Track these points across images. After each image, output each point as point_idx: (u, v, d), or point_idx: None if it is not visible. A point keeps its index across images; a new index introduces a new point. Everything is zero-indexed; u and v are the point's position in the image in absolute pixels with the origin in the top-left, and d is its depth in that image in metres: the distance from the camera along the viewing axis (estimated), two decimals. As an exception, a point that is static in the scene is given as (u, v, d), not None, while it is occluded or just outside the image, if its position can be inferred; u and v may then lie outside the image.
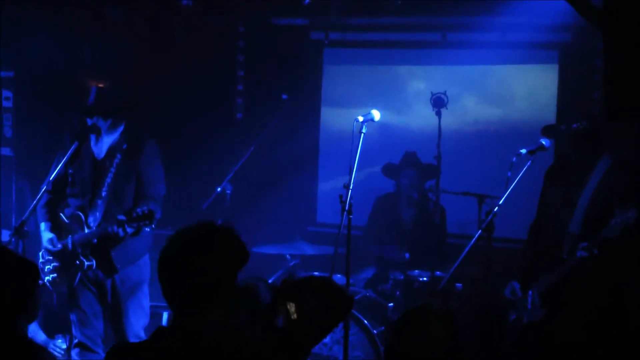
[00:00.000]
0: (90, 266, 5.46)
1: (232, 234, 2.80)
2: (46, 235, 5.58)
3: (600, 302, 4.85)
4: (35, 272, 3.39)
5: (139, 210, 5.21)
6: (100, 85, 5.67)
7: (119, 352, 2.81)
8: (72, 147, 5.50)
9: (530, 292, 5.14)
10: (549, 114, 7.07)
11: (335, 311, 2.70)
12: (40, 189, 5.49)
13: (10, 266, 3.26)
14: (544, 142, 5.18)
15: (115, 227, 5.25)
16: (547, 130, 5.38)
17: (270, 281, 6.26)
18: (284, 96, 7.06)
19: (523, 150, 5.16)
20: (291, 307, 2.64)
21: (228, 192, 6.29)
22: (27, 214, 5.36)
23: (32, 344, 3.35)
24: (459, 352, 3.14)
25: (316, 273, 6.35)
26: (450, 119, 6.61)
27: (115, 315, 5.60)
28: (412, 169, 6.73)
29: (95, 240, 5.43)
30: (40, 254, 5.60)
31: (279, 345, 2.68)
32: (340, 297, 2.72)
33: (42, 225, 5.66)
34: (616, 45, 5.46)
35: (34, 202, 5.45)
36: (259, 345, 2.71)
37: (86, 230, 5.48)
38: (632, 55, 5.25)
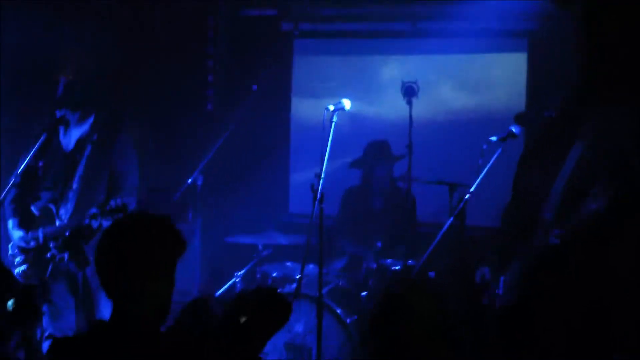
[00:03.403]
0: (62, 258, 5.42)
1: (168, 224, 2.82)
2: (16, 233, 5.52)
3: (568, 291, 4.88)
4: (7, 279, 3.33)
5: (112, 203, 5.18)
6: (69, 76, 5.62)
7: (60, 347, 2.80)
8: (41, 140, 5.44)
9: (502, 278, 5.17)
10: (520, 102, 7.11)
11: (278, 319, 2.88)
12: (8, 182, 5.43)
13: None
14: (514, 130, 5.20)
15: (88, 220, 5.20)
16: (519, 118, 5.40)
17: (242, 272, 6.29)
18: (254, 87, 7.03)
19: (493, 138, 5.18)
20: (242, 318, 2.78)
21: (199, 183, 6.26)
22: (-5, 206, 5.31)
23: None
24: (446, 330, 3.16)
25: (289, 263, 6.38)
26: (422, 108, 6.61)
27: (87, 308, 5.54)
28: (386, 163, 6.72)
29: (68, 233, 5.39)
30: (10, 246, 5.54)
31: (230, 349, 2.78)
32: (281, 306, 2.89)
33: (10, 222, 5.59)
34: (591, 32, 5.50)
35: (2, 194, 5.39)
36: (201, 343, 2.79)
37: (57, 223, 5.43)
38: (607, 41, 5.29)
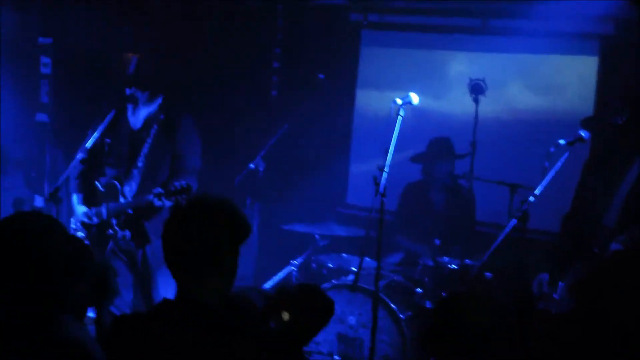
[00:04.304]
0: (123, 236, 5.49)
1: (234, 208, 2.83)
2: (80, 208, 5.61)
3: (627, 303, 4.80)
4: (88, 253, 3.31)
5: (177, 183, 5.21)
6: (141, 56, 5.68)
7: (125, 323, 2.83)
8: (109, 116, 5.51)
9: (560, 284, 5.10)
10: (589, 106, 7.00)
11: (319, 317, 2.83)
12: (76, 157, 5.51)
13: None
14: (583, 134, 5.10)
15: (151, 198, 5.25)
16: (585, 123, 5.31)
17: (299, 260, 6.31)
18: (321, 75, 7.01)
19: (562, 141, 5.09)
20: (284, 314, 2.75)
21: (261, 169, 6.28)
22: (61, 180, 5.38)
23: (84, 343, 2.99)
24: (495, 338, 3.16)
25: (345, 255, 6.38)
26: (488, 107, 6.54)
27: (144, 286, 5.62)
28: (447, 160, 6.67)
29: (131, 211, 5.45)
30: (72, 220, 5.63)
31: (273, 344, 2.76)
32: (324, 304, 2.84)
33: (75, 198, 5.69)
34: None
35: (69, 168, 5.48)
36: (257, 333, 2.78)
37: (121, 200, 5.50)
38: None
